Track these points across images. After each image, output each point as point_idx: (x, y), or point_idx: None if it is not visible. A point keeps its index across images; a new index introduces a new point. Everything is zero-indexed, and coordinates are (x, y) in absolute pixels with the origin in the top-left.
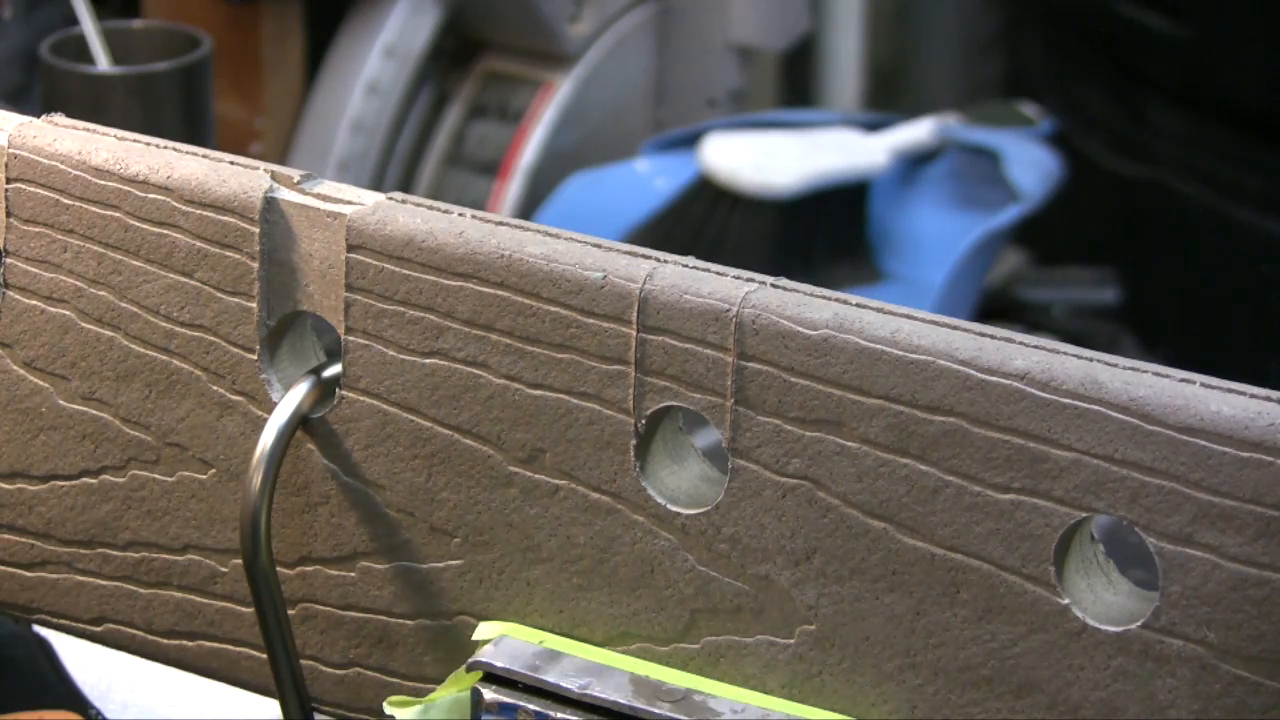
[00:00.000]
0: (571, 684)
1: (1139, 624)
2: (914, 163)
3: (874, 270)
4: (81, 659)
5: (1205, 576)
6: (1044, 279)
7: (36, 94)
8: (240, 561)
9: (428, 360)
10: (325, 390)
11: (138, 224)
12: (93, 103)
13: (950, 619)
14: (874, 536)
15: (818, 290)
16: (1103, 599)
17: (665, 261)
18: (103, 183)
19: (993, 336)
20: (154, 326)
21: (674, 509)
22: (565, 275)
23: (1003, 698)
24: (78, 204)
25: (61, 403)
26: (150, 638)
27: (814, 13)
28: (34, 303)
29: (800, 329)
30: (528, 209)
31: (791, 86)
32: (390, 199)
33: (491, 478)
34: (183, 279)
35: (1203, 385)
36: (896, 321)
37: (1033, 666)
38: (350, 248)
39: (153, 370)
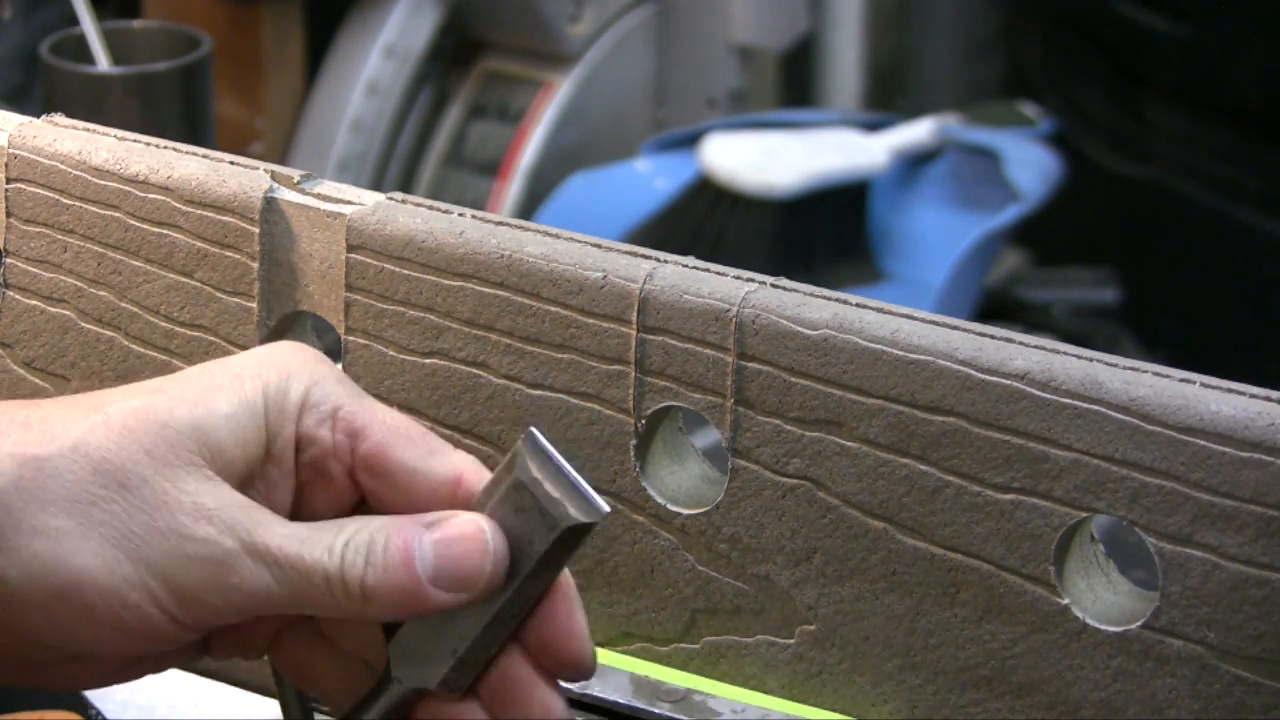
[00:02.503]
0: (572, 684)
1: (1139, 624)
2: (914, 163)
3: (874, 270)
4: None
5: (1205, 576)
6: (1044, 279)
7: (36, 94)
8: None
9: (428, 360)
10: None
11: (138, 224)
12: (93, 103)
13: (950, 619)
14: (874, 536)
15: (818, 290)
16: (1103, 599)
17: (665, 261)
18: (103, 183)
19: (993, 336)
20: (154, 326)
21: (674, 509)
22: (565, 275)
23: (1003, 698)
24: (78, 204)
25: None
26: None
27: (814, 13)
28: (34, 303)
29: (800, 329)
30: (528, 209)
31: (791, 86)
32: (390, 199)
33: None
34: (183, 279)
35: (1203, 385)
36: (896, 321)
37: (1033, 666)
38: (350, 248)
39: (153, 370)
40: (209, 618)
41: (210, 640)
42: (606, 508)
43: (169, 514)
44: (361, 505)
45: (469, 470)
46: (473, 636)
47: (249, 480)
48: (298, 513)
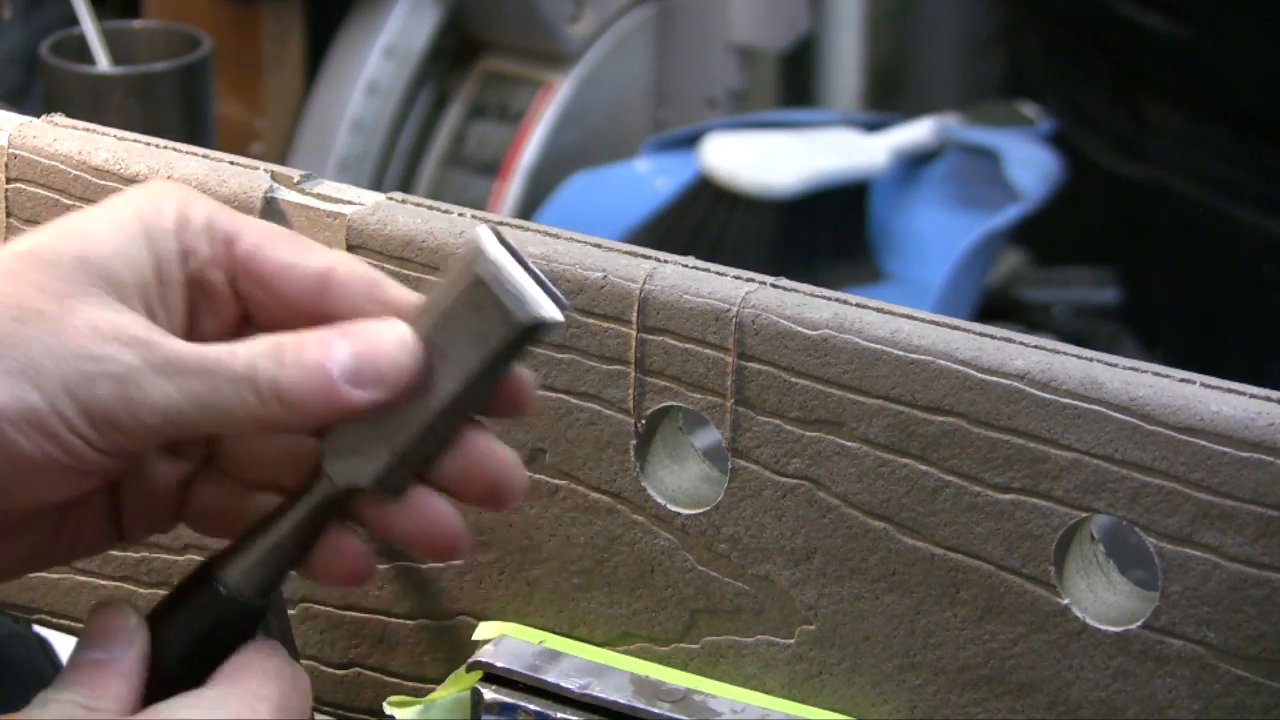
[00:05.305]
0: (571, 684)
1: (1139, 624)
2: (914, 163)
3: (874, 270)
4: None
5: (1205, 576)
6: (1044, 279)
7: (36, 94)
8: None
9: None
10: None
11: None
12: (93, 103)
13: (950, 619)
14: (874, 536)
15: (818, 290)
16: (1103, 599)
17: (665, 261)
18: (103, 183)
19: (993, 336)
20: None
21: (674, 509)
22: (565, 275)
23: (1003, 698)
24: (78, 204)
25: None
26: None
27: (814, 13)
28: None
29: (800, 329)
30: (528, 209)
31: (791, 86)
32: (390, 199)
33: None
34: None
35: (1203, 385)
36: (896, 321)
37: (1033, 666)
38: (350, 248)
39: None
40: (122, 440)
41: (122, 519)
42: (569, 306)
43: (68, 338)
44: (246, 326)
45: (341, 262)
46: (413, 432)
47: (147, 308)
48: (189, 338)
